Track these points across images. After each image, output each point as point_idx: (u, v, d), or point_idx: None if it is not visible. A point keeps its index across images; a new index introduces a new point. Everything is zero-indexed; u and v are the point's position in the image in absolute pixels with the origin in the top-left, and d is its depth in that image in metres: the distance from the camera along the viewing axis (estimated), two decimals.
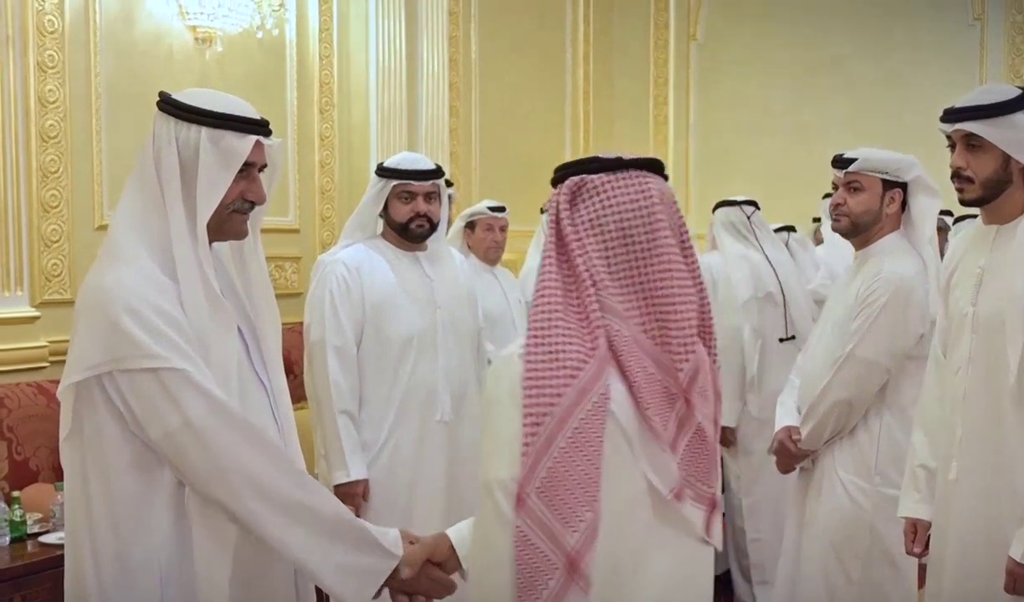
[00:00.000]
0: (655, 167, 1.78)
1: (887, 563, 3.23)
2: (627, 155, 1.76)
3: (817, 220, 6.94)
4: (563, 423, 1.60)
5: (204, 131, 2.12)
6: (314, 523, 2.06)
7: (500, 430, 1.67)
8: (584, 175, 1.74)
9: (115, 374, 2.03)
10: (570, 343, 1.63)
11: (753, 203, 5.24)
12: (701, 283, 1.76)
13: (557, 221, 1.72)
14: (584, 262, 1.68)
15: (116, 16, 4.78)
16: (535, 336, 1.65)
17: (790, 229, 5.75)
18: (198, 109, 2.14)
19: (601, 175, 1.73)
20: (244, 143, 2.15)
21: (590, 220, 1.71)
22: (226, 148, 2.13)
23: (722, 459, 5.14)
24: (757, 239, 5.15)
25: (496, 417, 1.70)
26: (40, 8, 4.42)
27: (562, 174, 1.76)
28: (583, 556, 1.59)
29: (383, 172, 3.75)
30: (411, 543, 2.13)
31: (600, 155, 1.77)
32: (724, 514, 5.27)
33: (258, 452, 2.06)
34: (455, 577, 2.13)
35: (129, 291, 2.04)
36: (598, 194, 1.72)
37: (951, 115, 2.71)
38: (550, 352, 1.63)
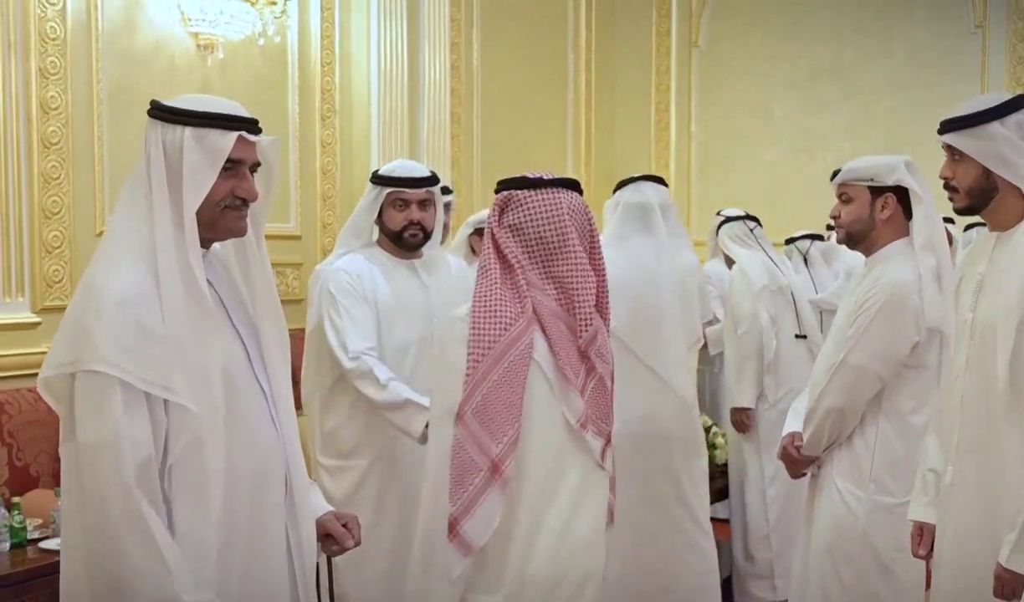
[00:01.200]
0: (571, 185, 2.39)
1: (879, 569, 3.23)
2: (549, 175, 2.39)
3: (830, 227, 6.95)
4: (496, 363, 2.21)
5: (187, 130, 2.15)
6: None
7: (448, 367, 2.28)
8: (512, 191, 2.36)
9: (77, 374, 2.06)
10: (505, 306, 2.25)
11: (755, 218, 5.59)
12: (603, 273, 2.39)
13: (490, 226, 2.35)
14: (511, 255, 2.31)
15: (118, 23, 4.79)
16: (479, 300, 2.27)
17: (816, 237, 5.79)
18: (181, 110, 2.17)
19: (525, 191, 2.35)
20: (226, 140, 2.16)
21: (513, 225, 2.35)
22: (209, 146, 2.15)
23: (742, 454, 5.23)
24: (762, 248, 5.40)
25: (445, 359, 2.31)
26: (42, 15, 4.43)
27: (498, 189, 2.39)
28: (504, 461, 2.20)
29: (377, 180, 3.75)
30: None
31: (528, 175, 2.39)
32: (732, 517, 5.35)
33: (121, 520, 2.02)
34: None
35: (106, 293, 2.06)
36: (520, 206, 2.34)
37: (940, 126, 2.74)
38: (489, 311, 2.25)
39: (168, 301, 2.08)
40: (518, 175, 2.41)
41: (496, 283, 2.28)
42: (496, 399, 2.21)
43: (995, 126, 2.62)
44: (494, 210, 2.37)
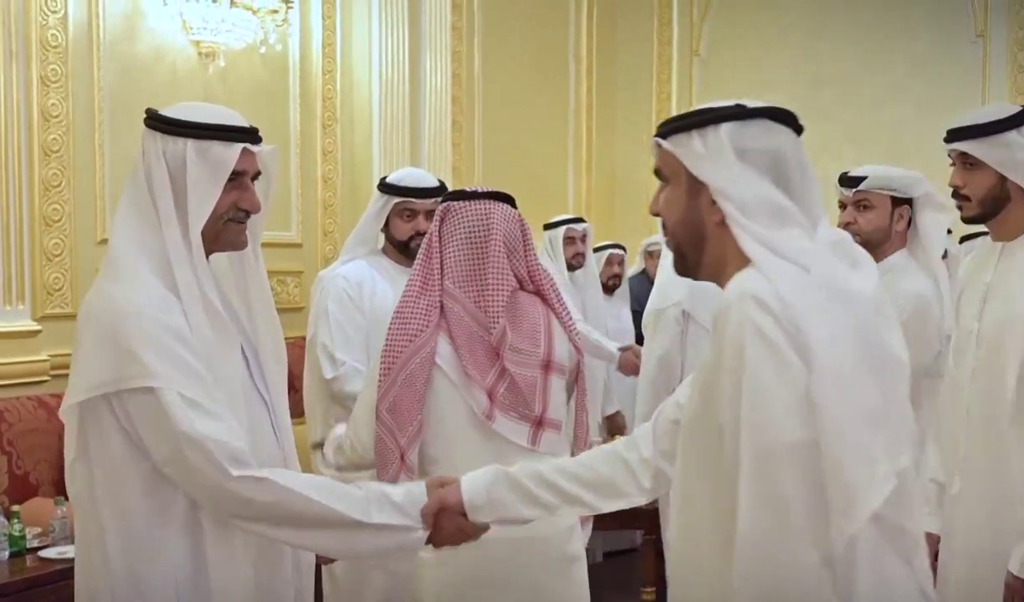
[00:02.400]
0: (504, 198, 2.75)
1: None
2: (484, 188, 2.77)
3: None
4: (402, 369, 2.60)
5: (190, 143, 2.11)
6: (328, 530, 2.09)
7: (370, 374, 2.74)
8: (450, 202, 2.73)
9: (121, 394, 2.02)
10: (415, 319, 2.63)
11: None
12: (540, 278, 2.75)
13: (430, 234, 2.70)
14: (442, 259, 2.67)
15: (119, 31, 4.79)
16: (395, 314, 2.69)
17: None
18: (183, 121, 2.13)
19: (460, 202, 2.71)
20: (231, 152, 2.13)
21: (449, 232, 2.69)
22: (213, 158, 2.12)
23: None
24: None
25: (371, 369, 2.79)
26: (44, 22, 4.43)
27: (442, 199, 2.83)
28: (408, 451, 2.60)
29: (385, 188, 3.72)
30: (440, 487, 2.16)
31: (466, 188, 2.79)
32: None
33: (253, 487, 2.05)
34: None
35: (138, 310, 2.03)
36: (455, 215, 2.69)
37: (949, 134, 2.73)
38: (401, 324, 2.65)
39: (191, 313, 2.07)
40: (455, 189, 2.86)
41: (412, 297, 2.68)
42: (402, 399, 2.60)
43: (1013, 134, 2.63)
44: (436, 219, 2.72)
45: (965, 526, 2.72)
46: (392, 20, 5.94)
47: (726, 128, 1.76)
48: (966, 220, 2.79)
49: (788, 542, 1.57)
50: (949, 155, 2.76)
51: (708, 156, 1.76)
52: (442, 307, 2.65)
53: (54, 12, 4.48)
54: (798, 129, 1.82)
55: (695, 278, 1.87)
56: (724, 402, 1.66)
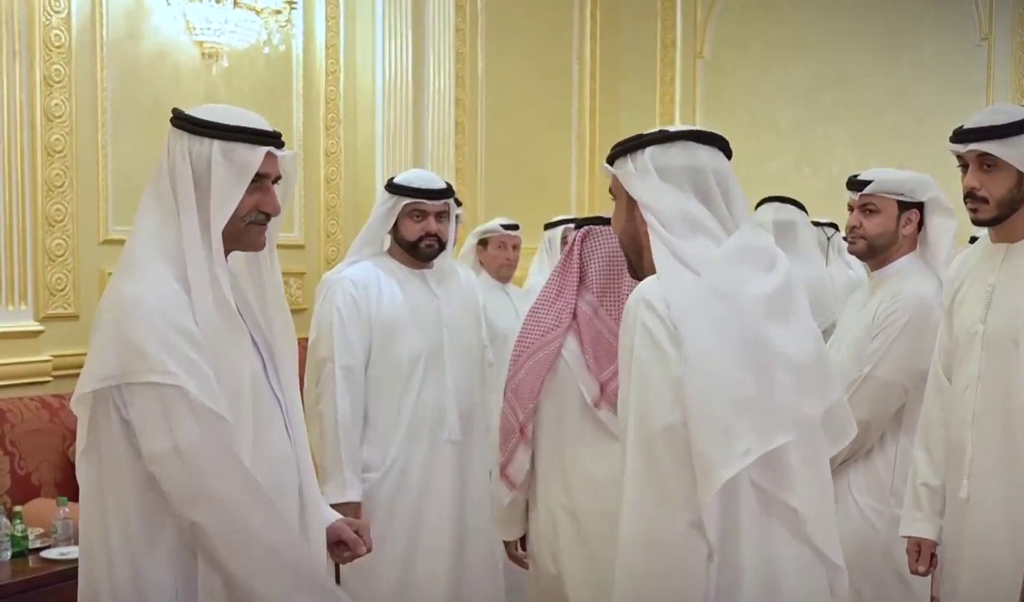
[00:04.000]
0: None
1: (899, 583, 3.21)
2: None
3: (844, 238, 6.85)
4: (529, 358, 2.94)
5: (216, 144, 2.14)
6: (283, 571, 2.07)
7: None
8: (591, 226, 3.00)
9: (123, 387, 2.04)
10: (547, 317, 2.96)
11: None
12: None
13: (573, 249, 2.99)
14: (582, 272, 2.97)
15: (123, 31, 4.79)
16: (531, 311, 3.01)
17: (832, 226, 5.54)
18: (210, 123, 2.16)
19: (600, 226, 2.96)
20: (255, 155, 2.17)
21: (591, 250, 2.98)
22: (238, 160, 2.15)
23: None
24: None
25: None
26: (47, 22, 4.43)
27: (577, 226, 3.11)
28: (525, 426, 2.95)
29: (395, 189, 3.68)
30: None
31: (602, 214, 2.96)
32: None
33: (239, 489, 2.06)
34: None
35: (147, 304, 2.05)
36: (597, 237, 2.98)
37: (964, 135, 2.69)
38: (536, 320, 2.98)
39: (200, 309, 2.09)
40: (595, 215, 3.15)
41: (548, 301, 3.00)
42: (524, 382, 2.95)
43: None
44: (575, 238, 3.00)
45: (977, 529, 2.70)
46: (396, 22, 5.93)
47: (649, 151, 2.10)
48: (978, 223, 2.75)
49: (664, 507, 1.92)
50: (961, 157, 2.72)
51: (637, 175, 2.10)
52: (575, 312, 2.96)
53: (57, 12, 4.47)
54: (723, 147, 2.15)
55: (640, 280, 2.13)
56: (624, 388, 2.03)
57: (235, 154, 2.15)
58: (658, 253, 2.03)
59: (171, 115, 2.21)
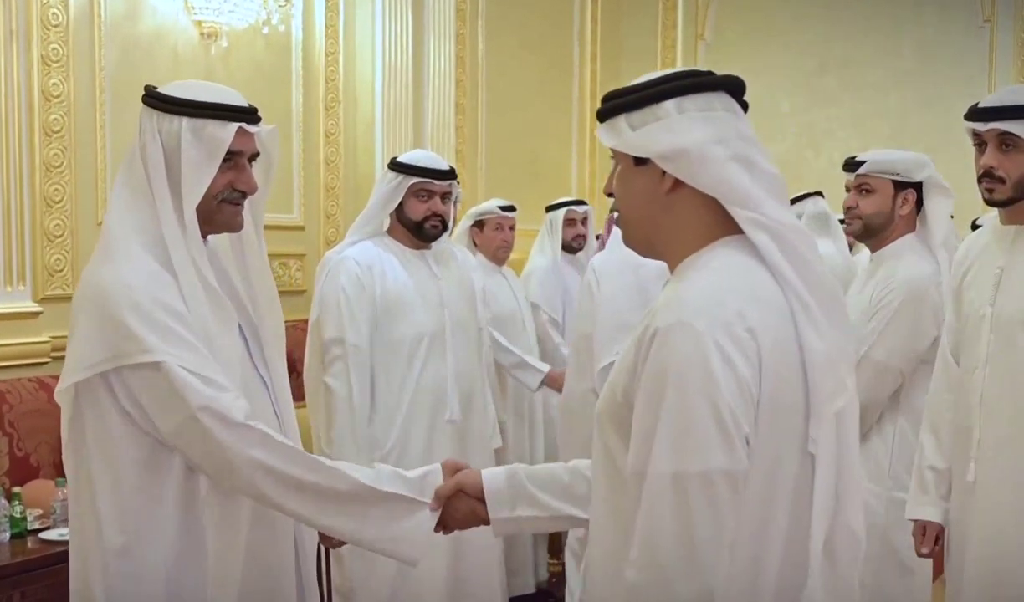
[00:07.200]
0: None
1: (898, 567, 3.21)
2: None
3: (842, 221, 6.86)
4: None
5: (185, 121, 2.10)
6: (337, 501, 2.05)
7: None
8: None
9: (121, 371, 2.01)
10: None
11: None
12: None
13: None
14: None
15: (121, 10, 4.76)
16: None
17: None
18: (178, 100, 2.12)
19: None
20: (226, 131, 2.11)
21: None
22: (208, 137, 2.10)
23: None
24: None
25: None
26: (45, 2, 4.40)
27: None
28: None
29: (401, 168, 3.67)
30: (454, 472, 2.11)
31: None
32: None
33: (261, 445, 2.03)
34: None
35: (130, 287, 2.01)
36: None
37: (984, 113, 2.66)
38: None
39: (187, 291, 2.06)
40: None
41: None
42: None
43: None
44: (609, 221, 3.52)
45: (985, 512, 2.70)
46: (396, 2, 5.90)
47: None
48: (993, 203, 2.73)
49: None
50: (979, 135, 2.69)
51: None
52: None
53: None
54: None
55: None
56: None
57: (205, 131, 2.10)
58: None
59: (143, 92, 2.17)
